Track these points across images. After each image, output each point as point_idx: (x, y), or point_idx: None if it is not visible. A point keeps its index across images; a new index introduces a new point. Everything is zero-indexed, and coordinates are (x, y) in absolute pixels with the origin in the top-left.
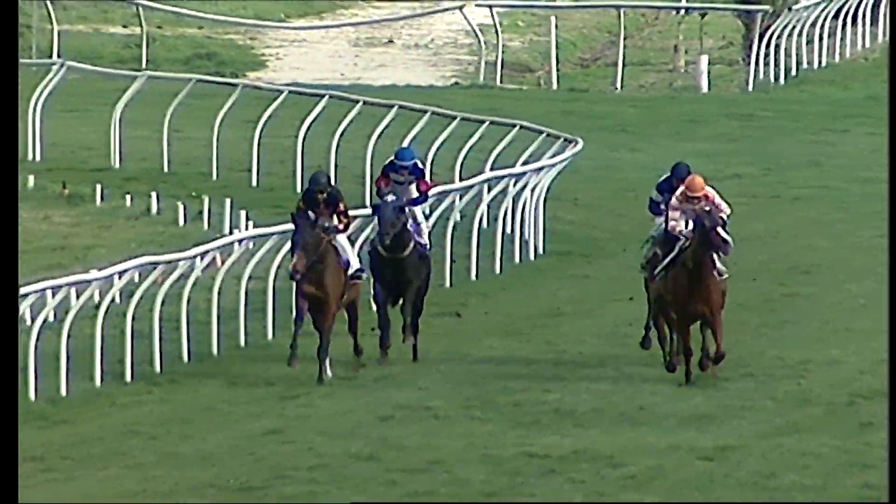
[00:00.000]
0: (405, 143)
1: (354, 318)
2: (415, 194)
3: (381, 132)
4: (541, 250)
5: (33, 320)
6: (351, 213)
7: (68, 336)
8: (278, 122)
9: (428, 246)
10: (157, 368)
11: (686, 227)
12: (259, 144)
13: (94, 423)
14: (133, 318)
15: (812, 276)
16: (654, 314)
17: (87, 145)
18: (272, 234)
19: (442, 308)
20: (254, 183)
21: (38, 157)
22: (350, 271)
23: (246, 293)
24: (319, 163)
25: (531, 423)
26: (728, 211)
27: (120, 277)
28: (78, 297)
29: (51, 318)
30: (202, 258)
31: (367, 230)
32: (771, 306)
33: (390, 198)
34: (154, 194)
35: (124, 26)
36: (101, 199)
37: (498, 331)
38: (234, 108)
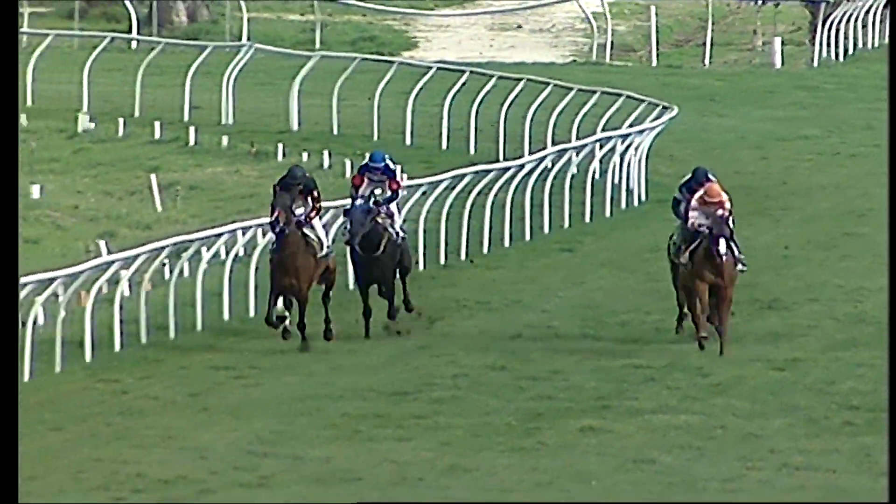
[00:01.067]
0: (529, 113)
1: (329, 287)
2: (388, 193)
3: (512, 101)
4: (643, 198)
5: (227, 255)
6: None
7: (256, 268)
8: (427, 93)
9: (402, 235)
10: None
11: (704, 223)
12: (412, 111)
13: (276, 338)
14: None
15: (866, 219)
16: (679, 297)
17: (271, 112)
18: (421, 184)
19: (561, 245)
20: (407, 142)
21: (230, 122)
22: (320, 254)
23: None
24: (461, 126)
25: (635, 339)
26: (731, 219)
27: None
28: (263, 235)
29: (241, 254)
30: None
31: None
32: (833, 243)
33: (359, 202)
34: (326, 152)
35: (301, 14)
36: (283, 155)
37: (607, 264)
38: (391, 81)
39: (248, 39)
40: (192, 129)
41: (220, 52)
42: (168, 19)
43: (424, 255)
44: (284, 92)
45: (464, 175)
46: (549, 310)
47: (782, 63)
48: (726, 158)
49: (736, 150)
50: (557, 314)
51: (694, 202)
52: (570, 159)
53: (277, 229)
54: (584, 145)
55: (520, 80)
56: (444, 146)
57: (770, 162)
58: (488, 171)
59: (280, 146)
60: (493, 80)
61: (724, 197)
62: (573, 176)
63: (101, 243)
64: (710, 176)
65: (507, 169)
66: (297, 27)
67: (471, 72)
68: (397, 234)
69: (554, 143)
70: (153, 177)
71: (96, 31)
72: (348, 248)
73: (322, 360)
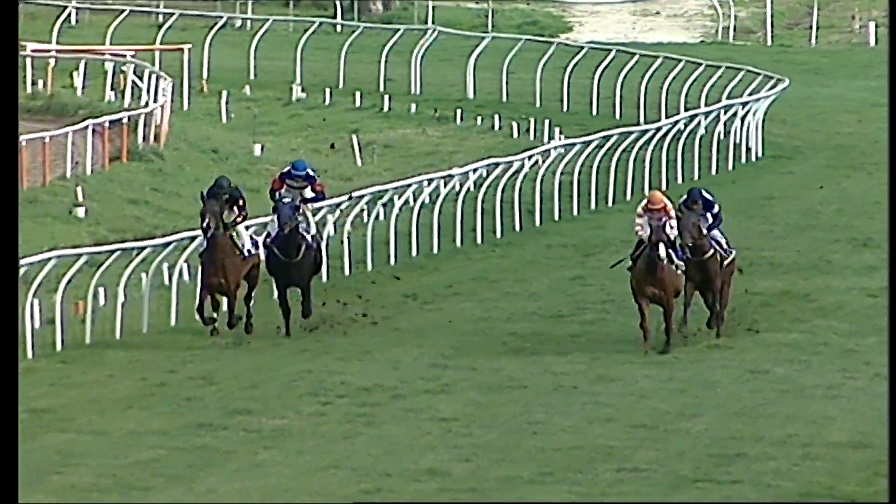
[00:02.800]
0: (665, 85)
1: (252, 286)
2: (310, 195)
3: (651, 75)
4: (759, 154)
5: (414, 201)
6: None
7: (440, 212)
8: (581, 68)
9: (316, 239)
10: (498, 234)
11: (647, 233)
12: (568, 83)
13: (455, 271)
14: (482, 201)
15: None
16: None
17: (451, 83)
18: (576, 144)
19: None
20: (564, 109)
21: (418, 91)
22: (246, 255)
23: (539, 189)
24: (608, 95)
25: (753, 272)
26: (674, 231)
27: (474, 172)
28: (445, 185)
29: (427, 201)
30: (529, 159)
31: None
32: None
33: (287, 199)
34: (496, 116)
35: (476, 2)
36: (461, 119)
37: (729, 210)
38: (551, 58)
39: (433, 23)
40: (386, 98)
41: (409, 34)
42: (366, 7)
43: (579, 200)
44: (462, 67)
45: (611, 135)
46: None
47: (876, 42)
48: (829, 121)
49: (836, 114)
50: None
51: (639, 210)
52: (699, 122)
53: (209, 234)
54: (711, 111)
55: (657, 57)
56: (594, 112)
57: (865, 124)
58: (631, 133)
59: (458, 111)
60: (636, 57)
61: (668, 204)
62: (701, 136)
63: None
64: (706, 195)
65: (647, 131)
66: (473, 13)
67: (617, 50)
68: (313, 239)
69: (686, 110)
70: (354, 137)
71: (307, 17)
72: (266, 253)
73: (493, 289)
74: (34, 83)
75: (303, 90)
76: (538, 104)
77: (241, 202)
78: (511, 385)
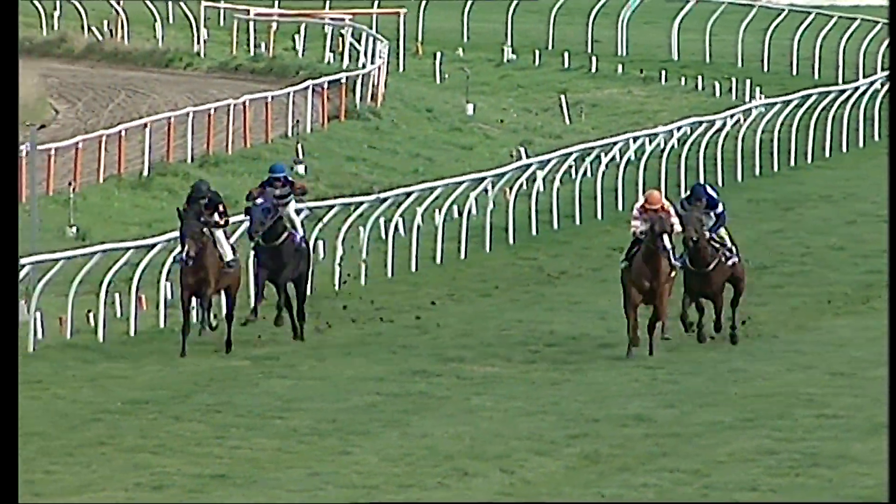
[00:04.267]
0: (863, 46)
1: (231, 303)
2: (293, 205)
3: (849, 36)
4: None
5: (620, 158)
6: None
7: (644, 168)
8: (781, 30)
9: (303, 238)
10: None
11: (644, 229)
12: (768, 45)
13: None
14: (685, 158)
15: None
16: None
17: (656, 45)
18: (776, 103)
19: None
20: (764, 69)
21: (624, 53)
22: (226, 260)
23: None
24: (808, 56)
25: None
26: (677, 226)
27: (678, 130)
28: (650, 143)
29: (632, 158)
30: (731, 117)
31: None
32: None
33: (260, 201)
34: (699, 77)
35: None
36: (665, 80)
37: None
38: (752, 20)
39: None
40: (593, 59)
41: None
42: None
43: (778, 157)
44: (667, 29)
45: (810, 94)
46: (877, 201)
47: None
48: None
49: None
50: (883, 204)
51: (635, 211)
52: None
53: (188, 259)
54: None
55: (855, 19)
56: (794, 72)
57: None
58: (829, 92)
59: (663, 72)
60: (834, 19)
61: (666, 204)
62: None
63: (521, 149)
64: (711, 192)
65: (845, 90)
66: None
67: (816, 13)
68: (299, 238)
69: (883, 70)
70: (562, 97)
71: None
72: (252, 248)
73: None
74: (257, 46)
75: (513, 52)
76: (740, 65)
77: (221, 207)
78: (713, 334)
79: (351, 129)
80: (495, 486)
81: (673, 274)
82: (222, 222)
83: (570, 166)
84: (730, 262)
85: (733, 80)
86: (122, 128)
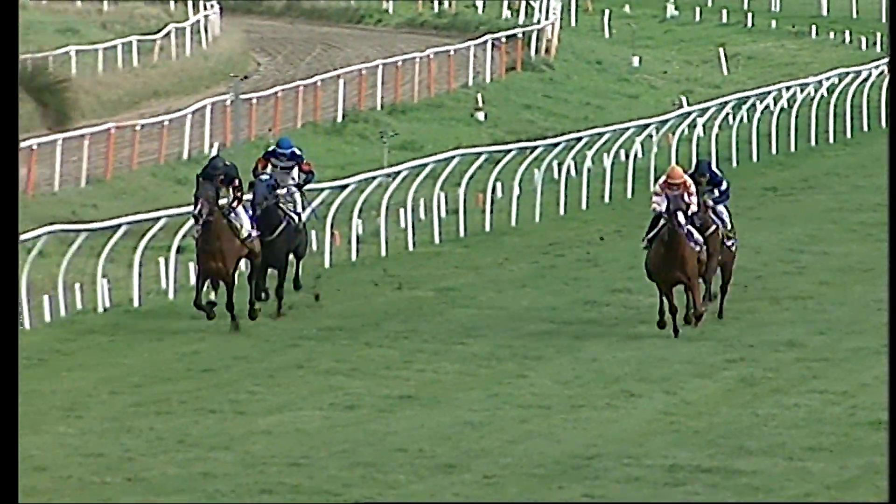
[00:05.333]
0: None
1: (254, 267)
2: (295, 175)
3: None
4: None
5: (774, 105)
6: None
7: (796, 116)
8: None
9: (302, 219)
10: (848, 134)
11: (665, 208)
12: None
13: (809, 167)
14: (834, 105)
15: None
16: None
17: (807, 1)
18: None
19: None
20: None
21: (777, 9)
22: (243, 235)
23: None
24: None
25: None
26: (693, 205)
27: (827, 80)
28: (801, 92)
29: (785, 106)
30: (876, 68)
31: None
32: None
33: (264, 177)
34: (847, 31)
35: None
36: (815, 34)
37: None
38: None
39: None
40: (749, 15)
41: None
42: None
43: (869, 115)
44: None
45: None
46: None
47: None
48: None
49: None
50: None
51: (657, 187)
52: None
53: (202, 220)
54: None
55: None
56: None
57: None
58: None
59: (813, 27)
60: None
61: (688, 180)
62: None
63: (683, 98)
64: (715, 170)
65: None
66: None
67: None
68: (297, 219)
69: None
70: (721, 50)
71: None
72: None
73: (844, 183)
74: (440, 3)
75: (676, 8)
76: (883, 20)
77: (236, 182)
78: (860, 267)
79: (527, 79)
80: (658, 406)
81: (700, 250)
82: (235, 202)
83: (728, 113)
84: (728, 243)
85: (878, 34)
86: (317, 78)
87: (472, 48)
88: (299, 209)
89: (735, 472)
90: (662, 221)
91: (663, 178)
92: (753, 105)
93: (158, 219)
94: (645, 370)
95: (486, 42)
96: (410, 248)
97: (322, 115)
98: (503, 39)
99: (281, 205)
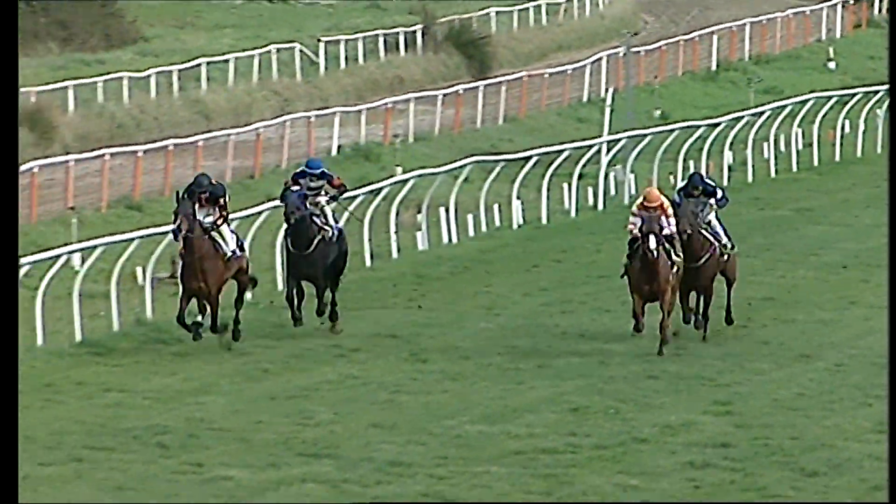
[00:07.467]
0: None
1: (242, 289)
2: (328, 192)
3: None
4: None
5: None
6: None
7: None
8: None
9: (336, 230)
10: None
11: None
12: None
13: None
14: None
15: None
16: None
17: None
18: None
19: None
20: None
21: None
22: (228, 255)
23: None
24: None
25: None
26: (667, 228)
27: None
28: None
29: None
30: None
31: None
32: None
33: (296, 188)
34: None
35: None
36: None
37: None
38: None
39: None
40: None
41: None
42: None
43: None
44: None
45: None
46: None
47: None
48: None
49: None
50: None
51: (634, 209)
52: None
53: (180, 236)
54: None
55: None
56: None
57: None
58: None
59: None
60: None
61: (665, 202)
62: None
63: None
64: (707, 181)
65: None
66: None
67: None
68: (333, 231)
69: None
70: None
71: None
72: (282, 254)
73: None
74: None
75: None
76: None
77: (222, 201)
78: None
79: (870, 35)
80: None
81: (675, 269)
82: (220, 220)
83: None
84: (724, 257)
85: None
86: (695, 34)
87: (825, 9)
88: (331, 222)
89: None
90: (639, 243)
91: (640, 199)
92: None
93: (563, 151)
94: None
95: (836, 3)
96: (773, 175)
97: (699, 65)
98: (851, 1)
99: (315, 218)
